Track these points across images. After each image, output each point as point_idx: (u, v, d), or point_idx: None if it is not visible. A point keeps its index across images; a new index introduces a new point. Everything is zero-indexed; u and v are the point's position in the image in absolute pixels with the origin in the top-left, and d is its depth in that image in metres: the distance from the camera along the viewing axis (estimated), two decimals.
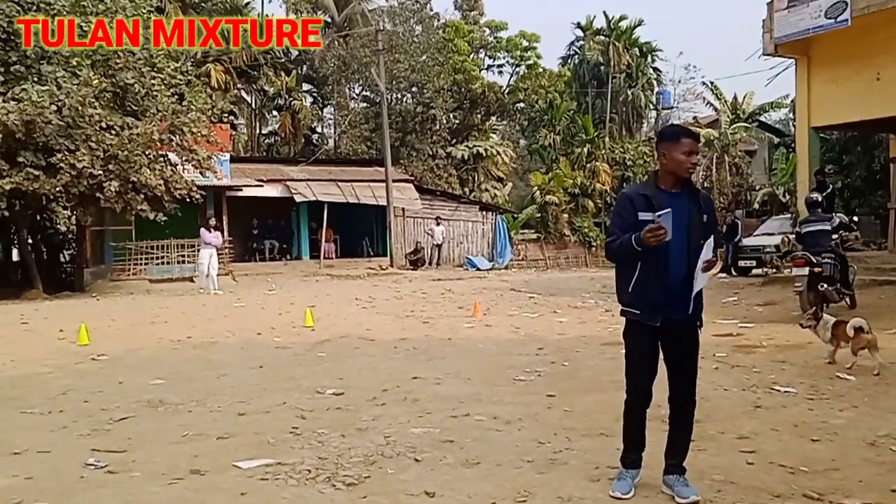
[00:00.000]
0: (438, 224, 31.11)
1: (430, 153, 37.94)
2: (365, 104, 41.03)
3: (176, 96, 20.93)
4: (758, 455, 4.91)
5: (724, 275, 19.09)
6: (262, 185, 27.44)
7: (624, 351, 4.39)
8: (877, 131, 21.84)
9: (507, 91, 42.96)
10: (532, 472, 4.63)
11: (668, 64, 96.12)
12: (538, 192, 38.10)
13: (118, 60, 19.37)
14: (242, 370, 8.51)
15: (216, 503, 4.23)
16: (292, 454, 5.08)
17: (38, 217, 24.48)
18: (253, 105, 41.08)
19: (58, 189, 18.05)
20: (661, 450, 4.30)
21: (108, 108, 19.16)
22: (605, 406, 6.00)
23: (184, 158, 21.19)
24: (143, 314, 14.44)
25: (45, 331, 12.24)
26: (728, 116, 39.34)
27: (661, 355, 4.28)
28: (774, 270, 17.91)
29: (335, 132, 42.24)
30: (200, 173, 21.79)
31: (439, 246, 31.18)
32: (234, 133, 34.82)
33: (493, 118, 44.19)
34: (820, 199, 12.70)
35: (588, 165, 41.07)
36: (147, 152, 19.58)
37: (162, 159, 20.59)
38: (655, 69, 48.71)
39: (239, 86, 37.17)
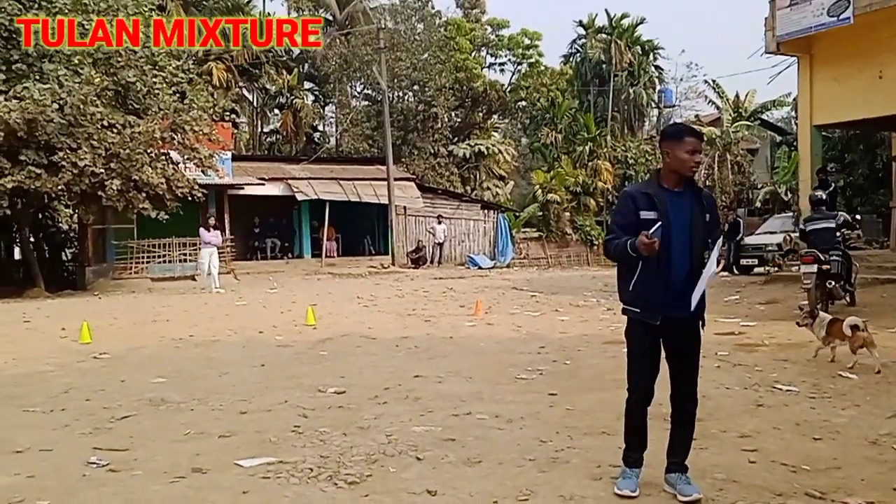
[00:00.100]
0: (440, 222, 31.10)
1: (432, 151, 37.93)
2: (366, 102, 41.04)
3: (178, 94, 20.95)
4: (760, 454, 4.90)
5: (725, 273, 19.08)
6: (263, 184, 27.43)
7: (626, 349, 4.39)
8: (879, 129, 21.80)
9: (508, 89, 42.97)
10: (534, 471, 4.62)
11: (670, 62, 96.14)
12: (540, 191, 38.09)
13: (120, 59, 19.38)
14: (244, 369, 8.51)
15: (218, 502, 4.23)
16: (294, 453, 5.08)
17: (40, 215, 24.52)
18: (254, 103, 41.10)
19: (59, 187, 18.07)
20: (663, 448, 4.29)
21: (110, 107, 19.18)
22: (607, 404, 5.99)
23: (185, 157, 21.21)
24: (144, 313, 14.45)
25: (46, 329, 12.25)
26: (730, 115, 39.28)
27: (662, 353, 4.28)
28: (776, 269, 17.89)
29: (337, 130, 42.24)
30: (202, 172, 21.81)
31: (441, 244, 31.18)
32: (235, 131, 34.85)
33: (495, 116, 44.19)
34: (824, 196, 12.75)
35: (590, 164, 41.05)
36: (149, 151, 19.59)
37: (164, 158, 20.61)
38: (657, 67, 48.70)
39: (240, 84, 37.19)
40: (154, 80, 20.08)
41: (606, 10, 45.91)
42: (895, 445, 5.04)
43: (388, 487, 4.38)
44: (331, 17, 40.07)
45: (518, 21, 76.07)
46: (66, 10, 18.74)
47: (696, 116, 45.07)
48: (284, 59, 38.69)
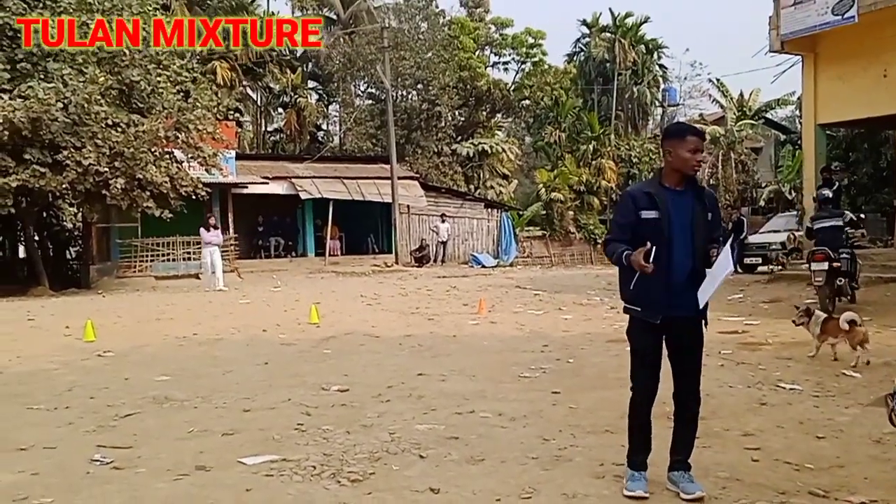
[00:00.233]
0: (443, 221, 31.10)
1: (436, 150, 37.92)
2: (370, 101, 41.02)
3: (182, 93, 20.97)
4: (763, 452, 4.90)
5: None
6: (267, 183, 27.47)
7: (629, 348, 4.39)
8: (884, 128, 21.74)
9: (512, 88, 42.90)
10: (537, 469, 4.63)
11: (675, 61, 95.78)
12: (543, 190, 38.05)
13: (124, 58, 19.41)
14: (248, 367, 8.53)
15: (221, 499, 4.24)
16: (297, 450, 5.09)
17: (45, 214, 24.54)
18: (258, 102, 41.11)
19: (64, 186, 18.10)
20: (666, 446, 4.29)
21: (114, 106, 19.22)
22: (610, 403, 5.99)
23: (189, 156, 21.24)
24: (148, 311, 14.47)
25: (51, 327, 12.27)
26: (734, 113, 39.25)
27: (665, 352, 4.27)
28: (780, 267, 17.87)
29: (340, 129, 42.24)
30: (206, 170, 21.84)
31: (444, 243, 31.18)
32: (239, 130, 34.89)
33: (499, 115, 44.16)
34: (831, 195, 12.80)
35: (593, 162, 40.99)
36: (153, 149, 19.64)
37: (168, 156, 20.65)
38: (661, 66, 48.62)
39: (244, 83, 37.18)
40: (158, 79, 20.11)
41: (610, 9, 45.79)
42: None
43: (391, 485, 4.39)
44: (335, 16, 40.06)
45: (522, 20, 76.28)
46: (71, 10, 18.77)
47: (701, 115, 45.01)
48: (288, 58, 38.69)
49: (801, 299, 12.17)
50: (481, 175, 40.17)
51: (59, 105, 17.57)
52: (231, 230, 25.34)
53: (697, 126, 4.77)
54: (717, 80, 40.87)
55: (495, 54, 45.07)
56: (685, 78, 50.90)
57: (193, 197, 20.70)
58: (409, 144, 37.48)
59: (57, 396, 7.07)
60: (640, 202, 4.14)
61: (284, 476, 4.58)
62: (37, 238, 24.63)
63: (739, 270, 19.50)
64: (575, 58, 47.85)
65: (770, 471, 4.55)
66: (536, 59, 43.92)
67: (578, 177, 39.58)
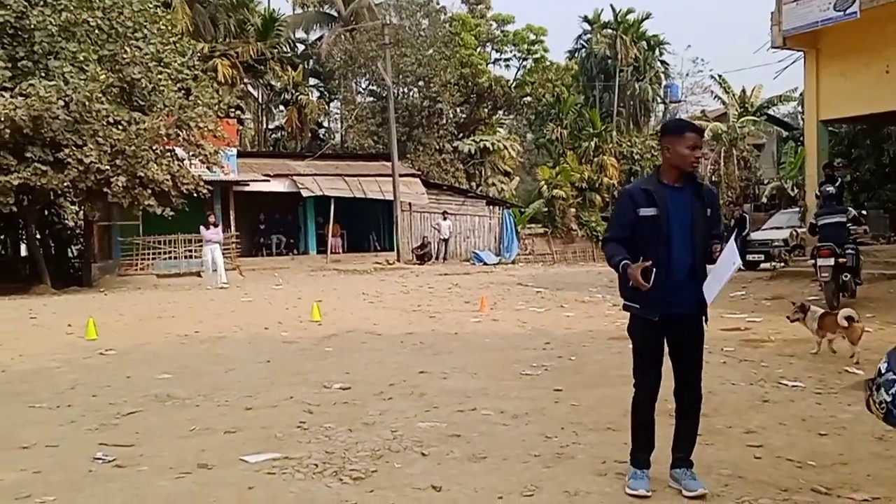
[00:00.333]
0: (445, 219, 31.08)
1: (437, 147, 37.89)
2: (371, 98, 40.99)
3: (183, 91, 20.98)
4: (765, 449, 4.89)
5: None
6: (268, 180, 27.47)
7: (631, 346, 4.38)
8: (886, 125, 21.72)
9: (514, 85, 42.86)
10: (539, 467, 4.62)
11: (676, 57, 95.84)
12: (545, 187, 37.99)
13: (125, 56, 19.41)
14: (250, 365, 8.53)
15: (223, 497, 4.24)
16: (299, 448, 5.09)
17: (46, 212, 24.59)
18: (259, 100, 41.08)
19: (65, 184, 18.12)
20: (668, 444, 4.28)
21: (115, 104, 19.22)
22: (612, 400, 5.98)
23: (191, 153, 21.25)
24: (150, 309, 14.48)
25: (53, 325, 12.29)
26: (736, 110, 39.17)
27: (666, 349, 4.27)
28: (782, 264, 17.84)
29: (342, 127, 42.22)
30: (207, 168, 21.84)
31: (446, 240, 31.16)
32: (240, 128, 34.83)
33: (500, 112, 44.11)
34: (834, 191, 12.81)
35: (595, 159, 40.92)
36: (154, 147, 19.64)
37: (169, 154, 20.65)
38: (663, 62, 48.56)
39: (245, 80, 37.16)
40: (159, 76, 20.11)
41: (612, 6, 45.76)
42: None
43: (393, 483, 4.39)
44: (336, 13, 40.05)
45: (523, 16, 76.07)
46: (72, 7, 18.76)
47: (703, 112, 44.90)
48: (289, 55, 38.70)
49: (803, 296, 12.16)
50: (483, 172, 40.14)
51: (61, 103, 17.57)
52: (232, 228, 25.35)
53: (695, 122, 4.76)
54: (719, 76, 40.81)
55: (497, 51, 45.04)
56: (687, 74, 51.06)
57: (195, 195, 20.71)
58: (410, 142, 37.45)
59: (59, 395, 7.08)
60: (638, 200, 4.13)
61: (286, 474, 4.58)
62: (38, 236, 24.64)
63: (742, 268, 19.47)
64: (576, 54, 47.79)
65: (772, 468, 4.54)
66: (538, 55, 43.88)
67: (580, 174, 39.51)
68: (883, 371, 2.89)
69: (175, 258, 23.62)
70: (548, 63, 43.40)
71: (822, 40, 16.78)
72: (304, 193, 28.01)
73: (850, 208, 13.05)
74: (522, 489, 4.23)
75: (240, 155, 27.75)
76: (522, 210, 37.61)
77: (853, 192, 23.53)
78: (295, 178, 28.29)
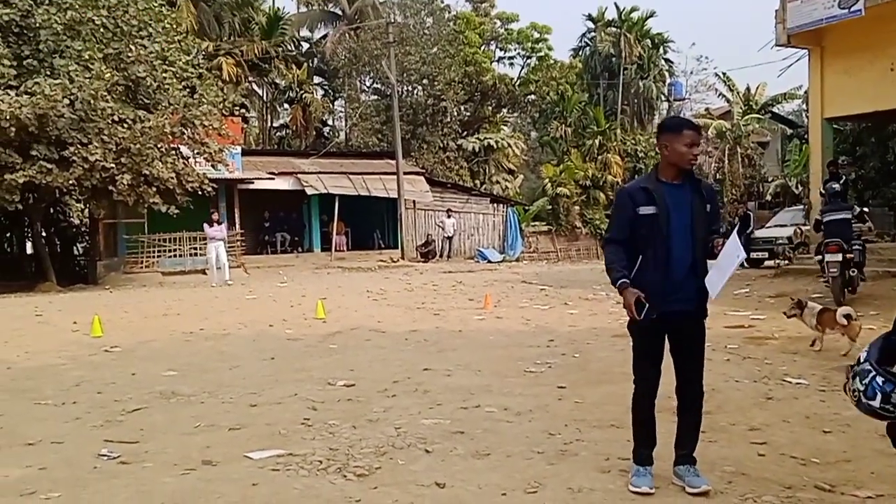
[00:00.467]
0: (449, 216, 31.06)
1: (441, 145, 37.87)
2: (376, 97, 40.98)
3: (188, 89, 21.01)
4: (769, 447, 4.89)
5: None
6: (273, 178, 27.48)
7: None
8: (891, 122, 21.64)
9: (518, 83, 42.75)
10: (542, 464, 4.63)
11: (680, 55, 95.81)
12: (549, 185, 37.99)
13: (130, 54, 19.44)
14: (254, 362, 8.55)
15: (228, 493, 4.25)
16: (304, 445, 5.10)
17: (52, 210, 24.68)
18: (264, 98, 41.09)
19: (71, 182, 18.17)
20: (671, 441, 4.29)
21: (121, 102, 19.27)
22: (616, 397, 5.98)
23: (195, 151, 21.29)
24: (155, 306, 14.51)
25: (58, 323, 12.33)
26: (741, 108, 39.07)
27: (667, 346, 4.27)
28: (787, 262, 17.80)
29: (346, 125, 42.23)
30: (212, 166, 21.89)
31: (450, 238, 31.14)
32: (245, 126, 34.87)
33: (504, 110, 44.04)
34: (840, 189, 12.84)
35: (599, 157, 40.90)
36: (159, 145, 19.69)
37: (174, 152, 20.70)
38: (667, 60, 48.48)
39: (250, 79, 37.18)
40: (164, 75, 20.14)
41: (616, 4, 45.67)
42: None
43: (396, 480, 4.40)
44: (340, 12, 40.04)
45: (527, 14, 76.11)
46: (77, 6, 18.80)
47: (707, 109, 44.77)
48: (294, 53, 38.68)
49: (807, 293, 12.15)
50: (487, 170, 40.12)
51: (66, 101, 17.62)
52: (237, 226, 25.39)
53: (693, 120, 4.76)
54: (724, 74, 40.66)
55: (501, 49, 44.92)
56: (691, 72, 50.68)
57: (199, 193, 20.75)
58: (414, 140, 37.44)
59: (64, 391, 7.11)
60: (637, 199, 4.13)
61: (291, 470, 4.59)
62: (44, 234, 24.73)
63: (746, 265, 19.45)
64: (580, 52, 47.74)
65: (776, 465, 4.55)
66: (542, 53, 43.75)
67: (584, 171, 39.50)
68: (861, 360, 2.94)
69: (180, 256, 23.66)
70: (552, 61, 43.26)
71: (826, 38, 16.73)
72: (309, 191, 28.03)
73: (855, 206, 13.07)
74: (526, 486, 4.24)
75: (244, 153, 27.79)
76: (526, 208, 37.61)
77: (858, 189, 23.48)
78: (299, 175, 28.31)
